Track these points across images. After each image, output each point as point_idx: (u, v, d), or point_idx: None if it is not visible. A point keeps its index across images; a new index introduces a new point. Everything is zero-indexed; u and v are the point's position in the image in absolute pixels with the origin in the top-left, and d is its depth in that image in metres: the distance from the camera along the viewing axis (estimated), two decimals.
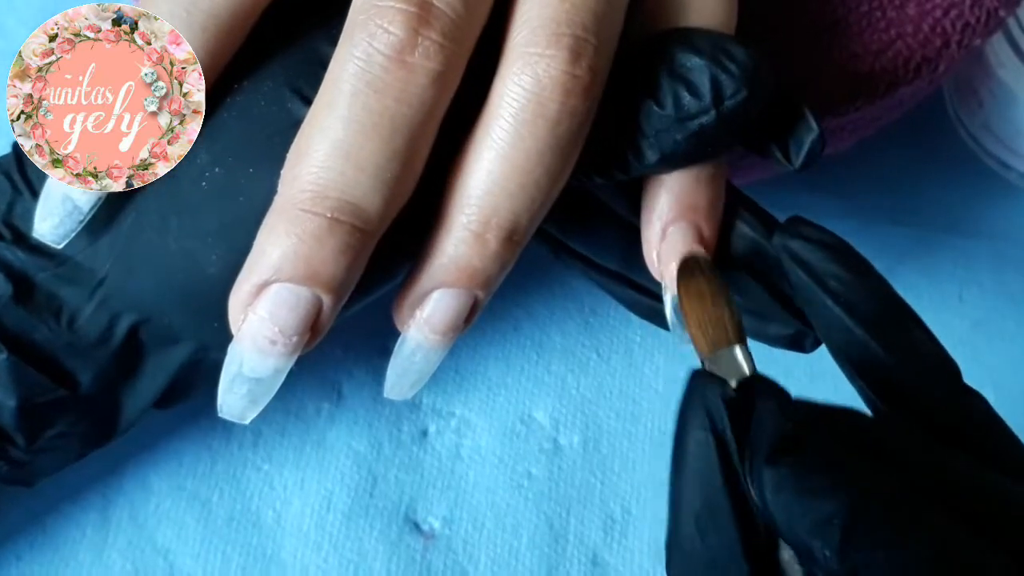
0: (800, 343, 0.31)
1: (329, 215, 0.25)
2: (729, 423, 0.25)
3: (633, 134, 0.28)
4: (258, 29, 0.28)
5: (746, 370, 0.27)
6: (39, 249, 0.30)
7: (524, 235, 0.28)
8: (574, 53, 0.26)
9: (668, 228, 0.30)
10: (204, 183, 0.27)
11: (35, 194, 0.29)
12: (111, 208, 0.29)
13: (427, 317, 0.28)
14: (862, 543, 0.22)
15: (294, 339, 0.26)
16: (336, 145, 0.25)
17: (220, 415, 0.27)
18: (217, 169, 0.27)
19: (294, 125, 0.27)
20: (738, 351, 0.27)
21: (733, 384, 0.27)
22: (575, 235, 0.33)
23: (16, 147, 0.30)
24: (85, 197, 0.28)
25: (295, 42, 0.28)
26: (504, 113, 0.26)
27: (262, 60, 0.28)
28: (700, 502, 0.25)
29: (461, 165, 0.27)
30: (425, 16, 0.25)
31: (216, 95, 0.28)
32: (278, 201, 0.26)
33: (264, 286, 0.26)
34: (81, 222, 0.28)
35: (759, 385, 0.26)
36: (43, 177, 0.28)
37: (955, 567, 0.22)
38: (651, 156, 0.28)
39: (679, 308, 0.30)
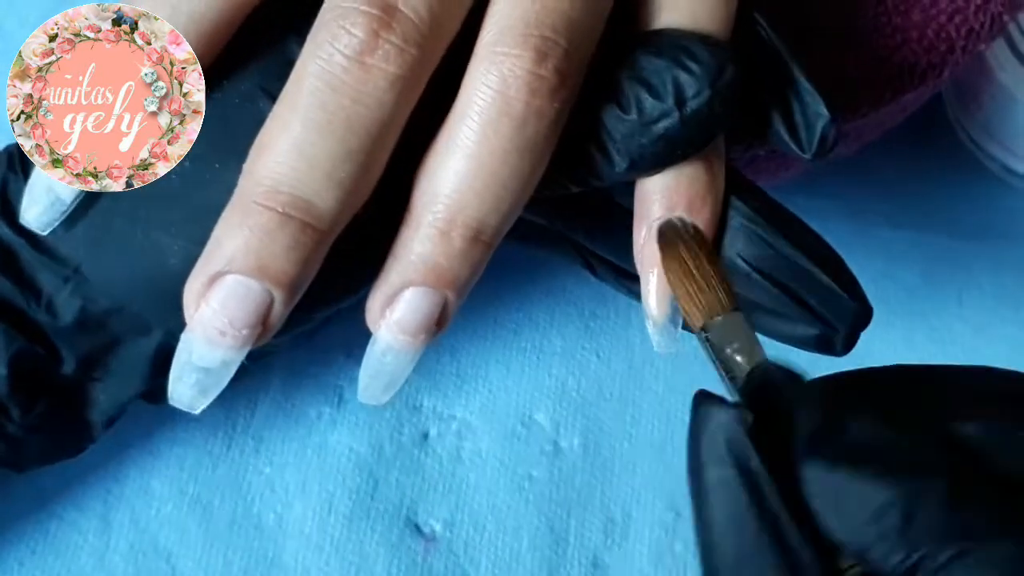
0: (830, 344, 0.30)
1: (280, 210, 0.26)
2: (756, 453, 0.22)
3: (602, 141, 0.28)
4: (240, 35, 0.28)
5: (747, 337, 0.26)
6: (25, 230, 0.30)
7: (493, 235, 0.28)
8: (540, 53, 0.26)
9: (653, 224, 0.30)
10: (174, 175, 0.28)
11: (28, 179, 0.29)
12: (90, 195, 0.29)
13: (397, 318, 0.28)
14: (925, 535, 0.20)
15: (244, 332, 0.26)
16: (292, 142, 0.26)
17: (170, 403, 0.28)
18: (187, 163, 0.28)
19: (261, 123, 0.27)
20: (735, 317, 0.26)
21: (740, 359, 0.25)
22: (600, 241, 0.33)
23: None
24: (67, 189, 0.28)
25: (273, 46, 0.28)
26: (471, 112, 0.26)
27: (241, 64, 0.28)
28: (734, 554, 0.22)
29: (429, 164, 0.27)
30: (388, 20, 0.26)
31: None
32: (236, 194, 0.26)
33: (217, 277, 0.26)
34: (64, 213, 0.29)
35: (773, 377, 0.25)
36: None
37: None
38: (621, 163, 0.28)
39: (664, 285, 0.29)
